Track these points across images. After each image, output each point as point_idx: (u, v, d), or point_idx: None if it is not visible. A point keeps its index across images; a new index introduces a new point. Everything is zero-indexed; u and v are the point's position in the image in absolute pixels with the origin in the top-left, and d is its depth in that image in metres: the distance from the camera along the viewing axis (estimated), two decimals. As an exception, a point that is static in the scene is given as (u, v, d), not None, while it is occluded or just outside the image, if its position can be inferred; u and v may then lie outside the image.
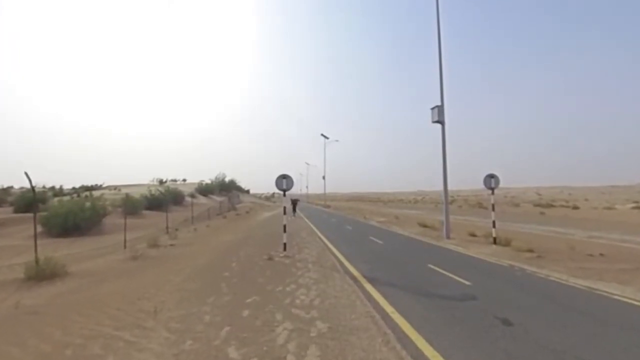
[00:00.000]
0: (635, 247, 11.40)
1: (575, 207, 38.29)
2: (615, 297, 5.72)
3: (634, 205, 38.24)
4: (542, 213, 31.35)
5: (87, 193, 41.26)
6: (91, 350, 3.88)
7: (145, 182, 66.98)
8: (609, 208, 36.70)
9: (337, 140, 61.79)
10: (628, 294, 5.81)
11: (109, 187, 62.69)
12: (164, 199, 35.77)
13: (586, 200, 66.38)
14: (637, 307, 5.21)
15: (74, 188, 61.00)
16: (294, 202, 38.63)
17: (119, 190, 53.95)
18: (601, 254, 9.62)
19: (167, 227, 21.20)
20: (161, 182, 70.25)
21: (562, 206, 42.34)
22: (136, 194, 35.76)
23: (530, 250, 10.18)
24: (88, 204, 23.26)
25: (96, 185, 67.46)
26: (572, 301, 5.55)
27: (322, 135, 57.14)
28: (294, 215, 33.47)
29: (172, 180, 77.01)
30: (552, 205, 43.22)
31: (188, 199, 41.40)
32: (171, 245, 14.25)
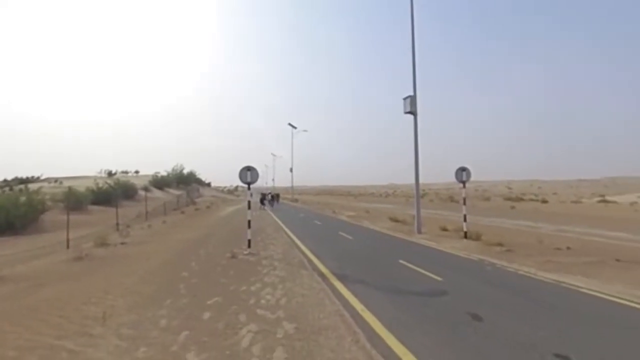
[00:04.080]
0: (600, 241, 12.31)
1: (544, 201, 40.80)
2: (582, 290, 6.15)
3: (599, 199, 41.29)
4: (512, 207, 33.07)
5: (22, 186, 38.87)
6: (28, 362, 3.67)
7: (92, 173, 64.32)
8: (576, 202, 39.39)
9: (305, 131, 60.40)
10: (593, 287, 6.26)
11: (48, 180, 59.36)
12: (113, 193, 34.42)
13: (554, 193, 70.86)
14: (602, 299, 5.63)
15: (5, 180, 57.25)
16: (264, 196, 38.41)
17: (61, 183, 51.31)
18: (568, 248, 10.30)
19: (117, 224, 20.36)
20: (110, 173, 67.71)
21: (532, 200, 44.95)
22: (81, 187, 34.09)
23: (500, 244, 10.72)
24: (23, 198, 22.03)
25: (33, 177, 63.69)
26: (541, 295, 5.91)
27: (289, 124, 56.54)
28: (265, 208, 33.42)
29: (123, 172, 74.35)
30: (522, 199, 45.74)
31: (141, 192, 39.94)
32: (122, 243, 13.70)
